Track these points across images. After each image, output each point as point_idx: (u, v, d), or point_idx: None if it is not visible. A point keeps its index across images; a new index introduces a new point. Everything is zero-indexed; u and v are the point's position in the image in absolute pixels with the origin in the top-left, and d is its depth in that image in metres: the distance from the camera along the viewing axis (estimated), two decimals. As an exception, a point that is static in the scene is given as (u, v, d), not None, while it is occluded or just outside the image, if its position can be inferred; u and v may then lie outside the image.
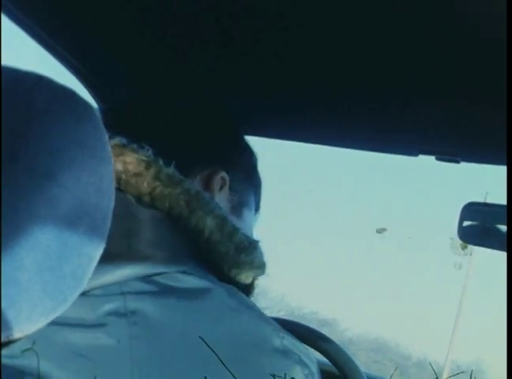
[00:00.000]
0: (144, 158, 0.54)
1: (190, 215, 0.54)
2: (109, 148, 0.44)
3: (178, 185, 0.55)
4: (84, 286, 0.42)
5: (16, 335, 0.38)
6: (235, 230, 0.56)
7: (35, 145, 0.39)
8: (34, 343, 0.40)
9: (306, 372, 0.52)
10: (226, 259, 0.55)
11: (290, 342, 0.52)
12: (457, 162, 0.87)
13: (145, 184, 0.54)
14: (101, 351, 0.43)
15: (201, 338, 0.47)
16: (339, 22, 0.62)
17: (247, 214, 0.69)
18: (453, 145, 0.86)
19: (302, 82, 0.79)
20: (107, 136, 0.44)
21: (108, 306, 0.45)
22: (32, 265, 0.38)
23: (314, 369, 0.53)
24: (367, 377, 1.08)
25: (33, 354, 0.41)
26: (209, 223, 0.54)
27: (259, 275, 0.59)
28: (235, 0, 0.62)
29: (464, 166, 0.89)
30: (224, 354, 0.47)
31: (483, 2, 0.53)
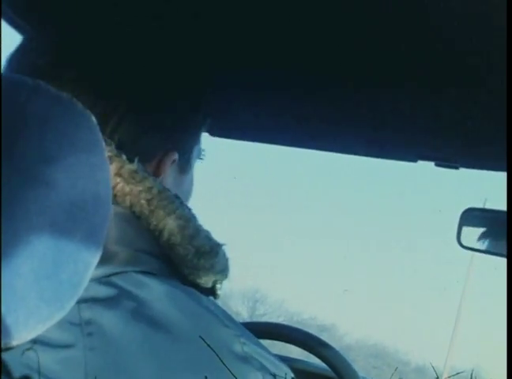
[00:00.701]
0: (105, 153, 0.52)
1: (150, 215, 0.52)
2: (106, 154, 0.44)
3: (140, 182, 0.52)
4: (81, 292, 0.42)
5: (14, 342, 0.38)
6: (197, 232, 0.54)
7: (32, 152, 0.39)
8: (35, 342, 0.40)
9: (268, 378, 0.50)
10: (185, 262, 0.53)
11: (251, 348, 0.50)
12: (457, 168, 0.87)
13: None
14: (55, 364, 0.42)
15: (201, 337, 0.46)
16: (334, 18, 0.61)
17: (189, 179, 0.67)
18: (453, 151, 0.86)
19: (296, 85, 0.79)
20: (103, 142, 0.44)
21: (64, 317, 0.43)
22: (28, 273, 0.38)
23: (283, 374, 0.52)
24: None
25: (33, 354, 0.41)
26: (170, 224, 0.52)
27: (220, 279, 0.57)
28: None
29: (463, 172, 0.89)
30: (183, 360, 0.46)
31: (483, 4, 0.53)
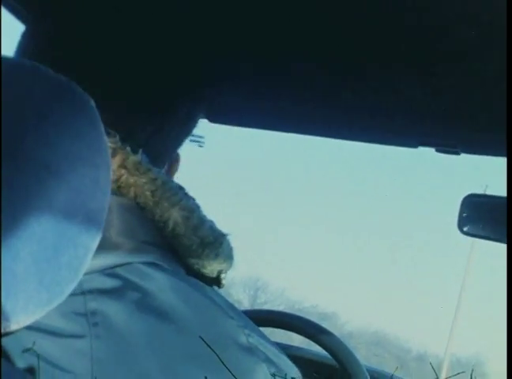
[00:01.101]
0: (110, 144, 0.51)
1: (154, 206, 0.52)
2: (106, 139, 0.44)
3: (144, 174, 0.53)
4: (80, 277, 0.42)
5: (13, 326, 0.38)
6: (201, 223, 0.54)
7: (31, 137, 0.39)
8: (34, 343, 0.40)
9: (273, 370, 0.50)
10: (190, 252, 0.54)
11: (256, 339, 0.51)
12: (458, 153, 0.87)
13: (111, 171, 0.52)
14: (61, 353, 0.42)
15: (201, 338, 0.46)
16: (332, 6, 0.61)
17: None
18: (454, 137, 0.86)
19: (295, 71, 0.78)
20: (103, 127, 0.44)
21: (69, 307, 0.43)
22: (27, 256, 0.38)
23: (286, 368, 0.52)
24: (367, 370, 1.08)
25: (33, 354, 0.40)
26: (175, 214, 0.53)
27: (225, 269, 0.57)
28: None
29: (464, 157, 0.89)
30: (187, 351, 0.46)
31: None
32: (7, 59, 0.43)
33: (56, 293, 0.40)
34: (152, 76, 0.59)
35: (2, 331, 0.38)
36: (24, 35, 0.61)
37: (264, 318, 1.15)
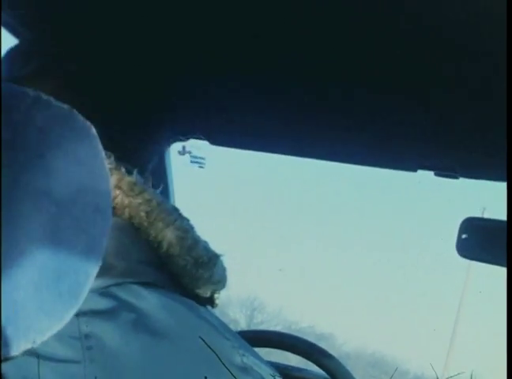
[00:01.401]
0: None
1: (149, 227, 0.53)
2: (107, 166, 0.44)
3: (139, 194, 0.53)
4: (81, 303, 0.42)
5: (14, 353, 0.38)
6: (195, 243, 0.55)
7: (32, 164, 0.39)
8: (34, 342, 0.40)
9: None
10: (184, 272, 0.54)
11: (251, 360, 0.51)
12: (456, 178, 0.88)
13: None
14: (56, 377, 0.42)
15: (201, 338, 0.46)
16: (336, 28, 0.61)
17: None
18: (453, 161, 0.86)
19: (296, 95, 0.79)
20: (103, 153, 0.44)
21: (63, 330, 0.43)
22: (28, 284, 0.38)
23: None
24: None
25: (34, 367, 0.40)
26: (169, 235, 0.53)
27: (218, 289, 0.57)
28: None
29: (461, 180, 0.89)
30: (182, 371, 0.46)
31: (483, 15, 0.53)
32: (10, 87, 0.43)
33: (56, 319, 0.40)
34: (144, 95, 0.60)
35: (2, 357, 0.38)
36: (22, 53, 0.61)
37: (261, 338, 1.14)
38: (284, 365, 1.21)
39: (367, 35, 0.61)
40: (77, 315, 0.44)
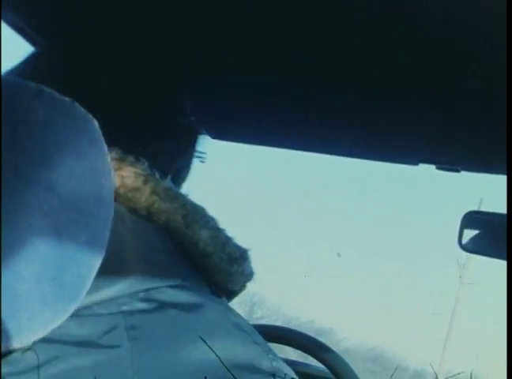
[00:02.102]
0: (141, 172, 0.55)
1: (186, 229, 0.55)
2: (108, 158, 0.45)
3: (175, 199, 0.56)
4: (83, 296, 0.42)
5: (16, 345, 0.38)
6: (228, 241, 0.57)
7: (34, 157, 0.39)
8: (34, 342, 0.40)
9: None
10: (219, 270, 0.57)
11: (279, 363, 0.52)
12: (458, 171, 0.88)
13: (143, 198, 0.54)
14: (102, 369, 0.42)
15: (201, 338, 0.47)
16: (336, 25, 0.62)
17: None
18: (454, 154, 0.87)
19: (298, 89, 0.79)
20: (106, 147, 0.44)
21: (109, 324, 0.44)
22: (31, 276, 0.38)
23: None
24: None
25: (33, 354, 0.40)
26: (204, 235, 0.56)
27: (248, 281, 0.60)
28: None
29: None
30: (214, 376, 0.47)
31: (483, 15, 0.53)
32: (11, 80, 0.43)
33: (59, 312, 0.40)
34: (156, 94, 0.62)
35: (5, 349, 0.38)
36: (33, 58, 0.62)
37: (261, 332, 1.14)
38: (283, 359, 1.21)
39: (368, 33, 0.61)
40: (123, 312, 0.46)
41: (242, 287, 0.60)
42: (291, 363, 1.18)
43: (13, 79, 0.43)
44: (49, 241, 0.39)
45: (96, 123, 0.44)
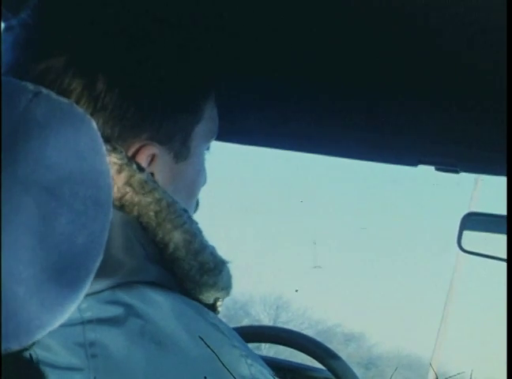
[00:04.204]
0: (115, 161, 0.51)
1: (157, 227, 0.52)
2: (107, 160, 0.44)
3: (149, 193, 0.52)
4: (82, 297, 0.42)
5: (14, 347, 0.38)
6: (203, 248, 0.53)
7: (32, 159, 0.39)
8: (34, 343, 0.40)
9: None
10: (188, 277, 0.53)
11: (258, 370, 0.49)
12: (457, 172, 0.88)
13: (115, 189, 0.50)
14: None
15: (200, 338, 0.46)
16: (335, 26, 0.62)
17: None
18: (453, 155, 0.87)
19: (298, 90, 0.79)
20: (104, 148, 0.44)
21: (69, 337, 0.43)
22: (29, 279, 0.38)
23: None
24: None
25: (31, 353, 0.41)
26: (176, 237, 0.52)
27: (222, 297, 0.56)
28: None
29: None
30: None
31: (483, 12, 0.53)
32: (9, 81, 0.43)
33: (57, 313, 0.40)
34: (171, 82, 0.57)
35: (4, 352, 0.38)
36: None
37: (268, 334, 1.15)
38: (288, 361, 1.22)
39: (369, 33, 0.61)
40: (83, 323, 0.44)
41: (216, 301, 0.56)
42: (292, 366, 1.18)
43: (11, 80, 0.43)
44: (47, 243, 0.39)
45: (94, 123, 0.44)
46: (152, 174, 0.55)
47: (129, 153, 0.54)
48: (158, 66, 0.56)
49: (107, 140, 0.51)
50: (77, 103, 0.51)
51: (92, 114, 0.51)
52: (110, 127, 0.52)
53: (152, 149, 0.55)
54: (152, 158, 0.55)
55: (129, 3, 0.57)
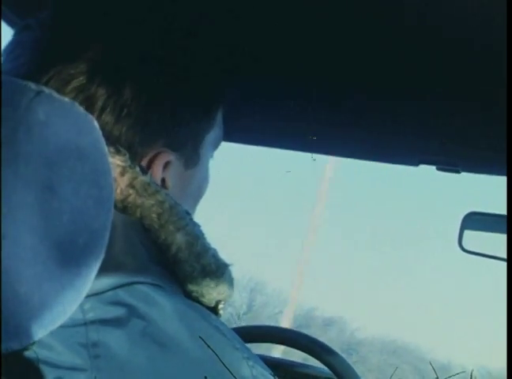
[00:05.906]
0: (119, 163, 0.52)
1: (159, 229, 0.52)
2: (109, 159, 0.45)
3: (152, 195, 0.52)
4: (83, 297, 0.42)
5: (15, 347, 0.38)
6: (205, 250, 0.53)
7: (34, 158, 0.39)
8: (34, 343, 0.40)
9: None
10: (190, 279, 0.53)
11: (259, 371, 0.50)
12: (458, 172, 0.88)
13: (118, 191, 0.51)
14: None
15: (202, 339, 0.46)
16: (336, 26, 0.62)
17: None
18: (454, 155, 0.87)
19: (299, 90, 0.79)
20: (106, 147, 0.44)
21: (71, 337, 0.43)
22: (30, 278, 0.38)
23: None
24: None
25: (32, 353, 0.41)
26: (179, 239, 0.52)
27: (223, 300, 0.56)
28: None
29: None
30: None
31: (483, 12, 0.54)
32: (11, 81, 0.43)
33: (59, 313, 0.40)
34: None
35: (5, 351, 0.38)
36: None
37: (264, 334, 1.15)
38: (287, 360, 1.22)
39: (369, 34, 0.62)
40: (86, 323, 0.44)
41: (218, 303, 0.56)
42: (292, 365, 1.18)
43: (13, 80, 0.43)
44: (49, 242, 0.39)
45: (96, 123, 0.44)
46: (164, 179, 0.57)
47: (146, 159, 0.55)
48: (183, 74, 0.58)
49: (128, 146, 0.53)
50: (103, 109, 0.53)
51: (116, 121, 0.54)
52: (132, 134, 0.54)
53: (168, 156, 0.57)
54: (166, 164, 0.57)
55: (156, 14, 0.59)
